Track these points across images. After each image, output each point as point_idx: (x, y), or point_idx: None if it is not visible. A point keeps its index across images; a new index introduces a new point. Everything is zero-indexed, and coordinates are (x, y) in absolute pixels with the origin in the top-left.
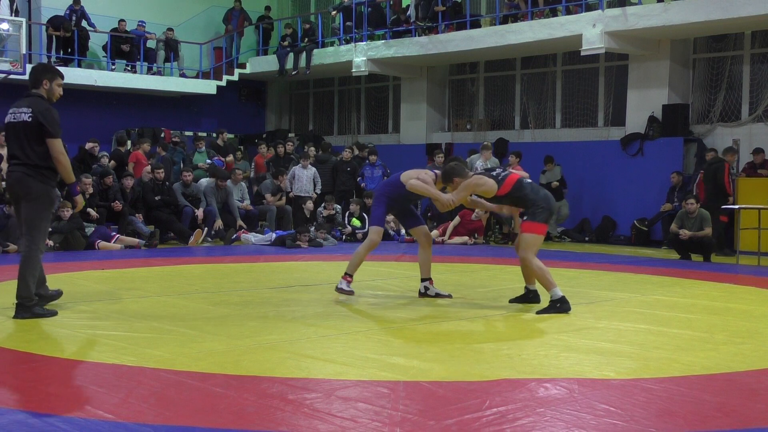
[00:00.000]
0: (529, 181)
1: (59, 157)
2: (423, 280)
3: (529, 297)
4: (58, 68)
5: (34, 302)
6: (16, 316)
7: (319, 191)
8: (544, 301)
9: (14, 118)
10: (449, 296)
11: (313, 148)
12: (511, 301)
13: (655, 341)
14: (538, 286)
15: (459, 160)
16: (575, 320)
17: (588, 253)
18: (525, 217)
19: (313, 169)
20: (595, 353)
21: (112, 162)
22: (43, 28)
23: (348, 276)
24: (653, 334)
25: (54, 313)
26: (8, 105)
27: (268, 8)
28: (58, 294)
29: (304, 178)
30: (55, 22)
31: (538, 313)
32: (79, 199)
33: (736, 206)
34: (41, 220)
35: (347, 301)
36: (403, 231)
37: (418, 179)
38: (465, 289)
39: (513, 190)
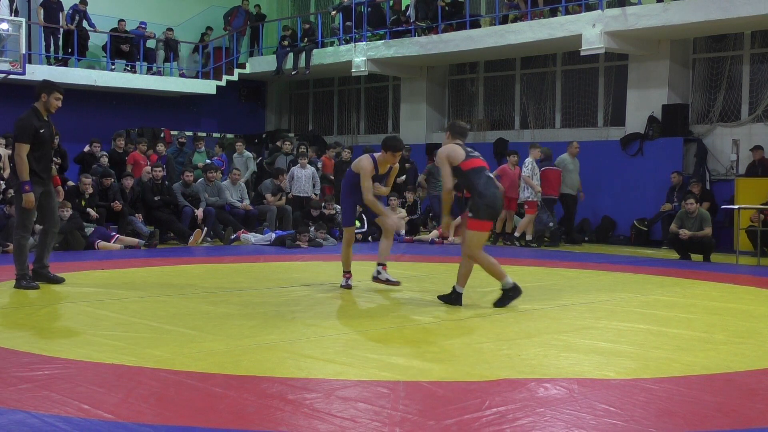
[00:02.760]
0: (490, 175)
1: (16, 158)
2: (378, 264)
3: (450, 297)
4: (57, 83)
5: (24, 276)
6: (15, 286)
7: (318, 191)
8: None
9: None
10: (397, 283)
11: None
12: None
13: (654, 341)
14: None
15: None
16: (575, 320)
17: (588, 253)
18: (470, 214)
19: (312, 168)
20: (594, 353)
21: (104, 159)
22: (42, 28)
23: (346, 273)
24: (653, 334)
25: (36, 287)
26: (8, 104)
27: (257, 6)
28: (58, 280)
29: (303, 178)
30: (47, 8)
31: (495, 305)
32: (27, 197)
33: (736, 206)
34: (20, 210)
35: (344, 300)
36: (403, 231)
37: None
38: (465, 288)
39: (471, 171)
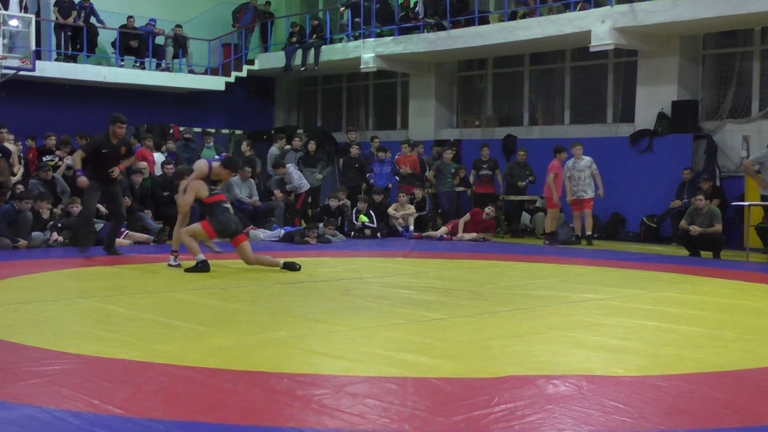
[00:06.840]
0: (227, 206)
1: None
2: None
3: (198, 266)
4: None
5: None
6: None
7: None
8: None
9: None
10: (178, 266)
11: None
12: (188, 270)
13: (664, 338)
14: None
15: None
16: (584, 317)
17: (597, 249)
18: (209, 218)
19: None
20: (603, 350)
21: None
22: (52, 25)
23: (173, 252)
24: (662, 331)
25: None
26: (18, 101)
27: (268, 3)
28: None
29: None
30: (61, 6)
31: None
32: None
33: (746, 203)
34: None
35: (353, 297)
36: (411, 227)
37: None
38: (473, 285)
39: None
